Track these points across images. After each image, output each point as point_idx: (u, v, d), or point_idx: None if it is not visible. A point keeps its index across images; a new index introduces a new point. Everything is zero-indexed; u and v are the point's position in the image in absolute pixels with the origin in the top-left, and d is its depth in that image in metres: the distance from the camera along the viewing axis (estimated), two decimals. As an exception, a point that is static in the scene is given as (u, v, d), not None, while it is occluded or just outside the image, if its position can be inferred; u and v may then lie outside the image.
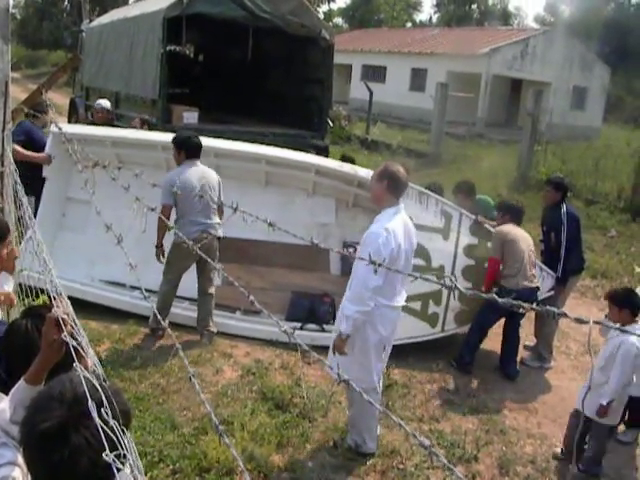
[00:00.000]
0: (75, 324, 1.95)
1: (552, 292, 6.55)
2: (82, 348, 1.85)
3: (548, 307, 1.32)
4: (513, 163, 16.58)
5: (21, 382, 1.96)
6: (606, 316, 4.92)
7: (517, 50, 31.20)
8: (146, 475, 4.12)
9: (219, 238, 6.27)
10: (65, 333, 1.89)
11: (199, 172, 6.17)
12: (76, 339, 1.88)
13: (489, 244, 6.48)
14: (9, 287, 3.49)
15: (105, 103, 9.64)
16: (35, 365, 1.98)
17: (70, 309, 2.01)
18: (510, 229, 6.30)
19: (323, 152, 10.72)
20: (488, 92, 30.59)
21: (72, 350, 1.84)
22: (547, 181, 7.10)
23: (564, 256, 6.47)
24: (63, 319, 1.92)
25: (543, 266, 6.50)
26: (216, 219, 6.22)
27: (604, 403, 4.60)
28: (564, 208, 6.57)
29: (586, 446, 4.87)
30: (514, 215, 6.46)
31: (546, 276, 6.46)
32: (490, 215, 6.93)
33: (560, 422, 5.56)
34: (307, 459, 4.61)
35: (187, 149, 6.20)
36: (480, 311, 6.27)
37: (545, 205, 6.93)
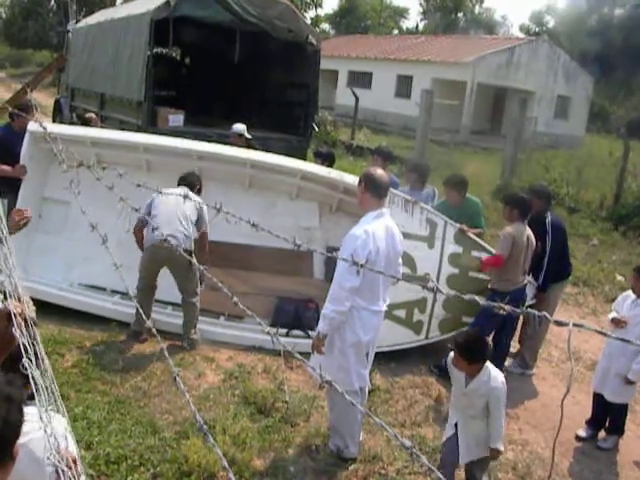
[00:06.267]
0: (27, 322, 1.91)
1: (534, 301, 6.49)
2: (30, 344, 1.80)
3: (530, 310, 1.32)
4: (496, 171, 16.66)
5: None
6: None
7: (502, 59, 31.48)
8: (126, 479, 4.10)
9: (188, 251, 5.89)
10: (15, 327, 1.85)
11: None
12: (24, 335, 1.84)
13: (473, 253, 6.48)
14: None
15: (240, 127, 9.07)
16: None
17: (28, 308, 1.98)
18: (520, 232, 5.99)
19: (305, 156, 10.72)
20: (473, 100, 30.79)
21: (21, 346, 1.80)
22: (529, 190, 6.95)
23: (546, 265, 6.43)
24: (14, 313, 1.89)
25: (527, 276, 6.40)
26: (180, 230, 6.00)
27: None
28: (549, 217, 6.51)
29: None
30: (523, 210, 6.06)
31: (529, 285, 6.41)
32: (477, 218, 6.89)
33: (541, 428, 5.59)
34: (289, 464, 4.59)
35: None
36: (474, 322, 6.06)
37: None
